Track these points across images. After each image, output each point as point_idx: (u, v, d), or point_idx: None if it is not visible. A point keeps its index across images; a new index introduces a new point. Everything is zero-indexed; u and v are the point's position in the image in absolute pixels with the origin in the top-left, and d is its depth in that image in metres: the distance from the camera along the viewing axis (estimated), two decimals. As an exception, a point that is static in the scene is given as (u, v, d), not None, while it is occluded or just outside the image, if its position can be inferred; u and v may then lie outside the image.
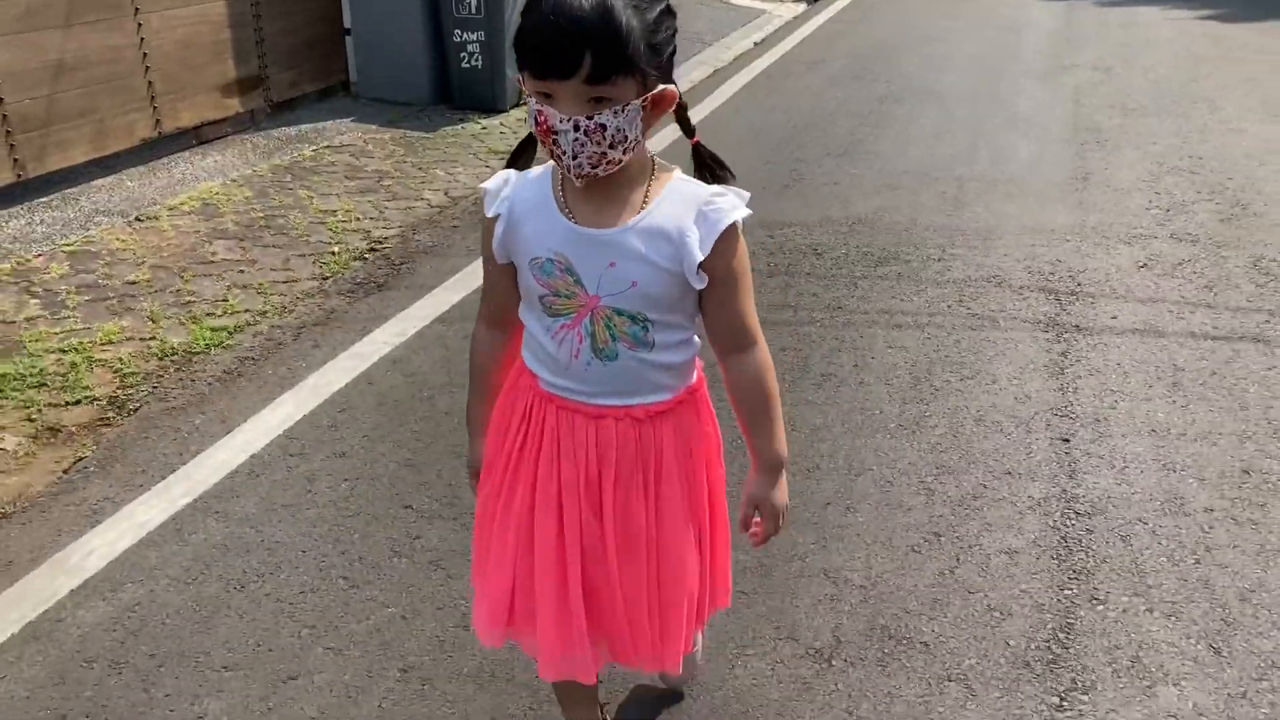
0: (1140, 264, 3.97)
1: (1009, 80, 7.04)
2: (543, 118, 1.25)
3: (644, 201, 1.35)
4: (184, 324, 3.50)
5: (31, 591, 2.28)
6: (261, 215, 4.50)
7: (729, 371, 1.45)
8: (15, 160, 4.32)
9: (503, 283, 1.46)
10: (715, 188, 1.37)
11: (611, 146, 1.27)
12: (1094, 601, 2.22)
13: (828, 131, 5.83)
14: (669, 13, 1.28)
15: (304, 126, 5.83)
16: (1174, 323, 3.49)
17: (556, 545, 1.45)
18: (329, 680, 2.03)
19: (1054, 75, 7.22)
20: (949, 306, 3.63)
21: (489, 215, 1.42)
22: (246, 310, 3.62)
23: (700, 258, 1.33)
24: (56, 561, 2.37)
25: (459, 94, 6.24)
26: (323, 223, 4.45)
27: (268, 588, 2.28)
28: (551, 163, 1.36)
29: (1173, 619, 2.17)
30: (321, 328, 3.54)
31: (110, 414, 2.98)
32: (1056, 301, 3.66)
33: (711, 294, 1.38)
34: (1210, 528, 2.46)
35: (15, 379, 3.10)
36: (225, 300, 3.69)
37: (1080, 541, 2.41)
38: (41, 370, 3.15)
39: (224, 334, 3.45)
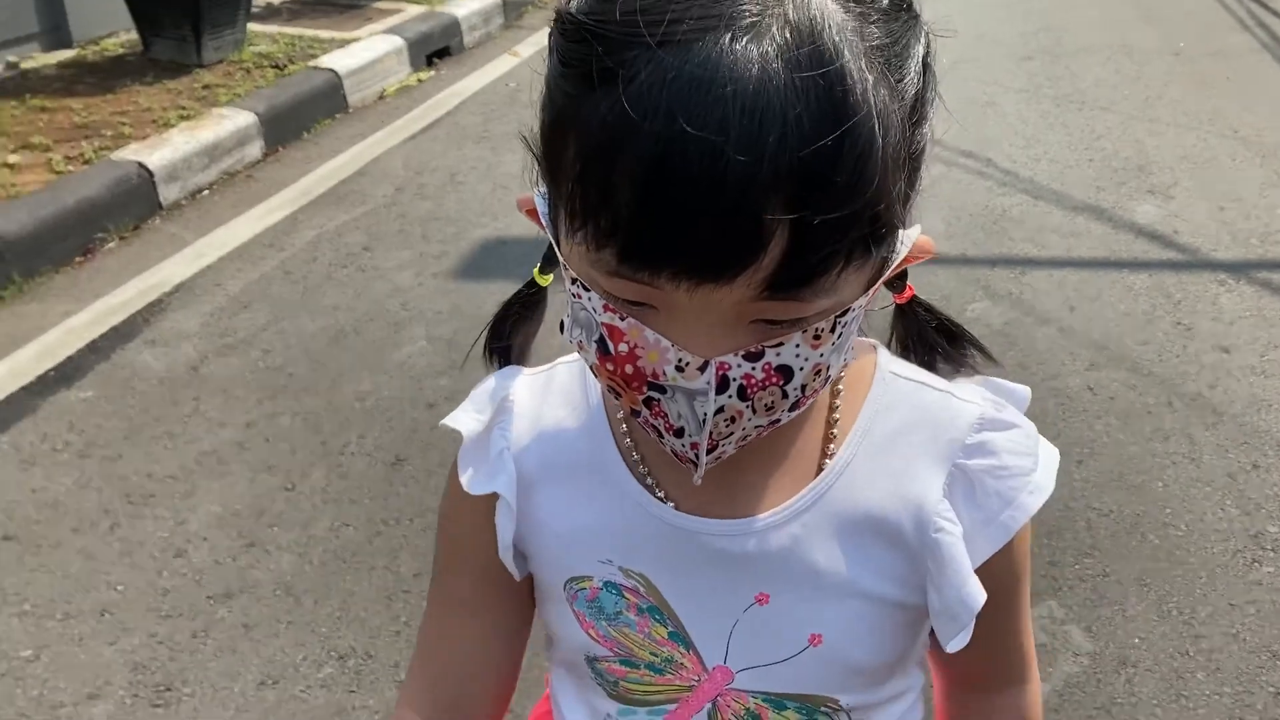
0: None
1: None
2: (633, 349, 0.56)
3: (826, 442, 0.68)
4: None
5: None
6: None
7: (968, 712, 0.83)
8: None
9: (485, 621, 0.74)
10: (980, 396, 0.70)
11: (794, 407, 0.59)
12: None
13: None
14: (928, 67, 0.58)
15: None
16: None
17: None
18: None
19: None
20: None
21: (472, 491, 0.70)
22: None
23: (969, 572, 0.66)
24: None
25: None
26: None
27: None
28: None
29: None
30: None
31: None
32: None
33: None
34: None
35: None
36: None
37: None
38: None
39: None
